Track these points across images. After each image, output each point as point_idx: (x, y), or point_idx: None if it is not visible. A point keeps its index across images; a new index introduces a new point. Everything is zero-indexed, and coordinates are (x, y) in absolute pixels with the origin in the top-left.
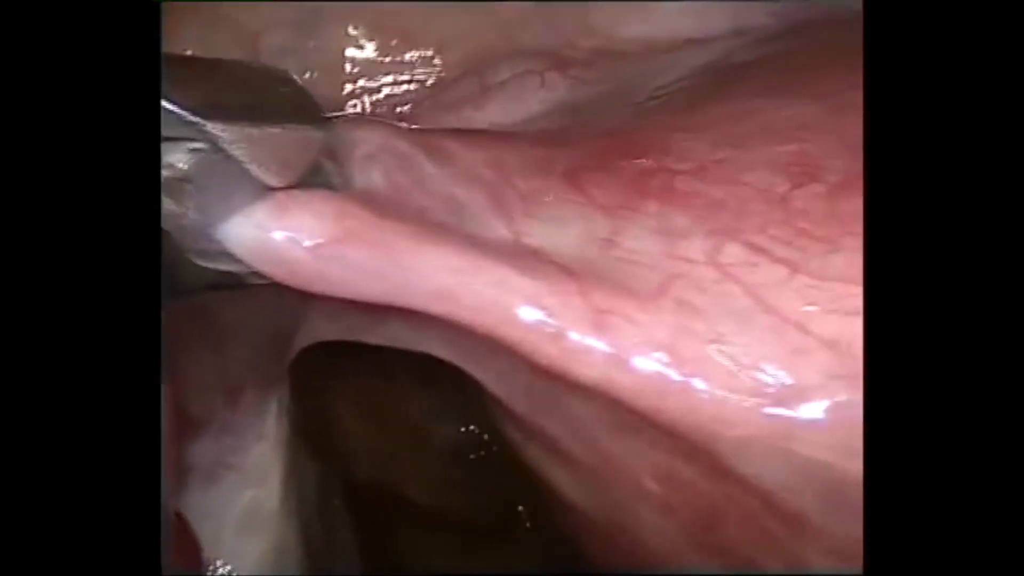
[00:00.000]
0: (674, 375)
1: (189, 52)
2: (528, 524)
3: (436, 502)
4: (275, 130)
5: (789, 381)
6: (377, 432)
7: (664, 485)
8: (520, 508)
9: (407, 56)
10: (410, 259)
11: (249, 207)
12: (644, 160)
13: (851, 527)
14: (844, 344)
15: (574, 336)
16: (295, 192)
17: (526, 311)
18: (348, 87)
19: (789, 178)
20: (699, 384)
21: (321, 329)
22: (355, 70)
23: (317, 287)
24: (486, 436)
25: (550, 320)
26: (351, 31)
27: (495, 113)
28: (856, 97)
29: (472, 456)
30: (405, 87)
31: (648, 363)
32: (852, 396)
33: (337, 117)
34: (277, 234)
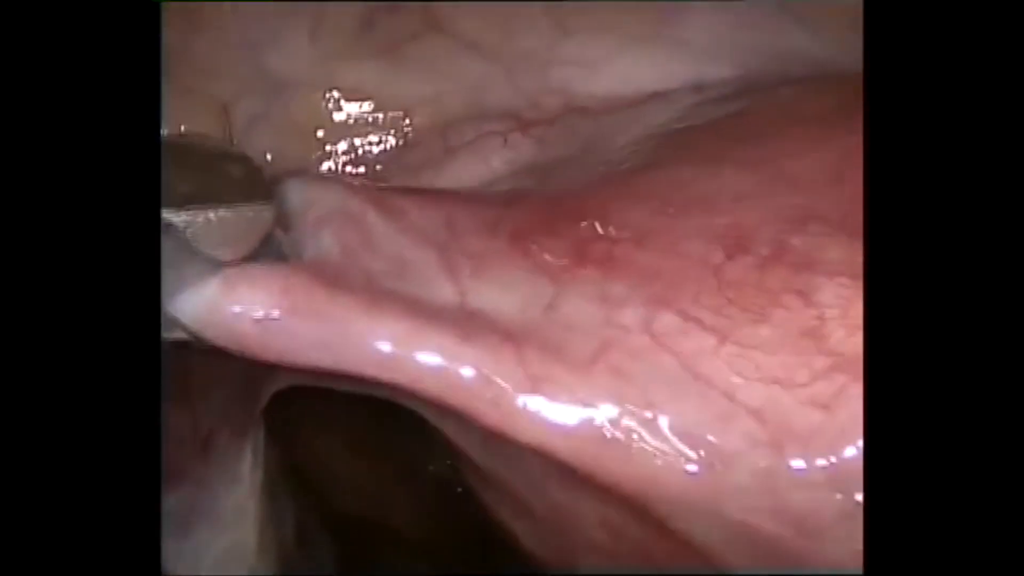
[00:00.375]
0: (606, 439)
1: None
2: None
3: (421, 535)
4: (225, 212)
5: (716, 447)
6: (360, 468)
7: (611, 536)
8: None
9: (375, 119)
10: (354, 329)
11: (199, 283)
12: (587, 226)
13: None
14: (767, 412)
15: (512, 402)
16: (244, 267)
17: (467, 379)
18: (318, 151)
19: (723, 249)
20: (631, 448)
21: (290, 376)
22: (324, 134)
23: (265, 357)
24: None
25: (489, 387)
26: (320, 96)
27: (459, 174)
28: (787, 168)
29: (460, 489)
30: (373, 149)
31: (581, 427)
32: (774, 462)
33: (293, 175)
34: (225, 309)
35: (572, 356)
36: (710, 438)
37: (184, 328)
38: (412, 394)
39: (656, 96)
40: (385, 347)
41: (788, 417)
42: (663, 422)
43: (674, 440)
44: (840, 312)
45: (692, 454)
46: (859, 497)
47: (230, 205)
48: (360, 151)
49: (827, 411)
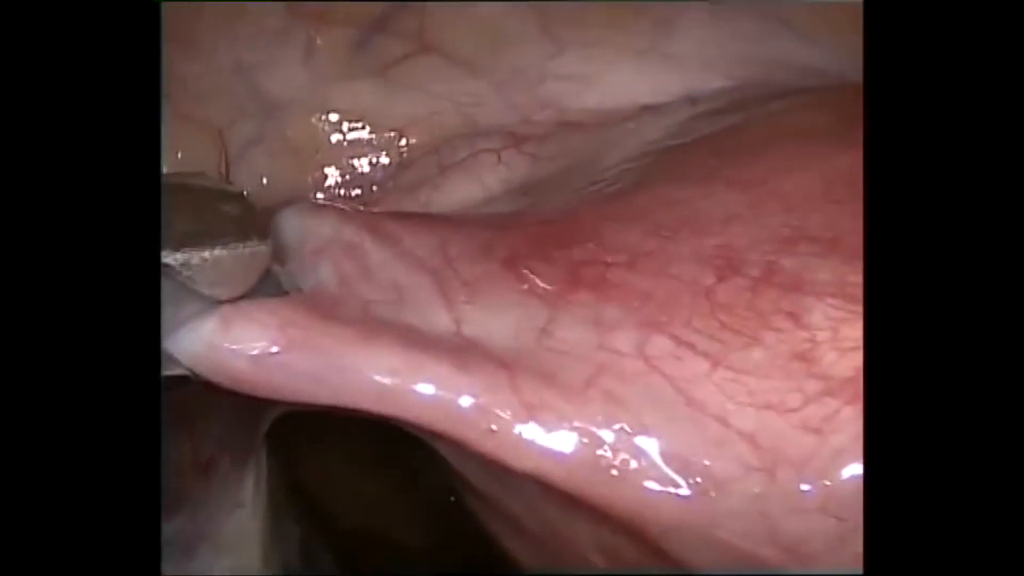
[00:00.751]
0: (601, 465)
1: None
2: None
3: (424, 552)
4: (221, 251)
5: (709, 472)
6: (362, 486)
7: (607, 558)
8: None
9: (370, 140)
10: (350, 363)
11: (195, 321)
12: (580, 249)
13: None
14: (760, 437)
15: (506, 430)
16: (239, 304)
17: (463, 409)
18: (314, 173)
19: (714, 271)
20: (624, 473)
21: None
22: (320, 156)
23: (261, 393)
24: None
25: (485, 417)
26: (315, 119)
27: (454, 193)
28: (777, 186)
29: (460, 505)
30: (369, 170)
31: (575, 453)
32: (767, 487)
33: (287, 205)
34: (220, 346)
35: (566, 382)
36: (704, 463)
37: (181, 366)
38: (409, 425)
39: (649, 109)
40: (381, 380)
41: (781, 442)
42: (656, 447)
43: (667, 465)
44: (831, 334)
45: (685, 479)
46: (853, 522)
47: (226, 244)
48: (355, 172)
49: (819, 435)
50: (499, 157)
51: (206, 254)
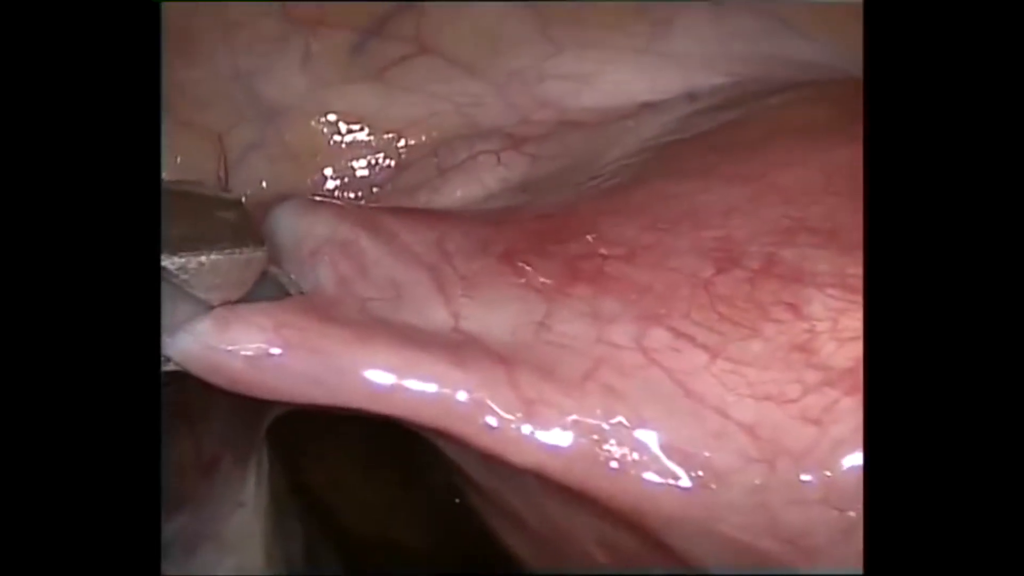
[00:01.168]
0: (600, 458)
1: None
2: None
3: (426, 549)
4: (218, 256)
5: (709, 464)
6: (364, 484)
7: (610, 555)
8: None
9: (369, 142)
10: (346, 363)
11: (192, 323)
12: (578, 243)
13: None
14: (760, 428)
15: (505, 426)
16: (237, 307)
17: (461, 406)
18: (314, 177)
19: (713, 263)
20: (624, 467)
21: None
22: (319, 159)
23: (258, 394)
24: None
25: (482, 413)
26: (314, 122)
27: (454, 193)
28: (776, 179)
29: (462, 502)
30: (368, 173)
31: (574, 448)
32: (767, 479)
33: (282, 203)
34: (216, 347)
35: (564, 375)
36: (703, 455)
37: (178, 367)
38: (408, 422)
39: (648, 107)
40: (378, 379)
41: (781, 433)
42: (656, 439)
43: (667, 457)
44: (830, 325)
45: (685, 471)
46: (854, 512)
47: (223, 249)
48: (355, 175)
49: (819, 426)
50: (498, 158)
51: (203, 259)
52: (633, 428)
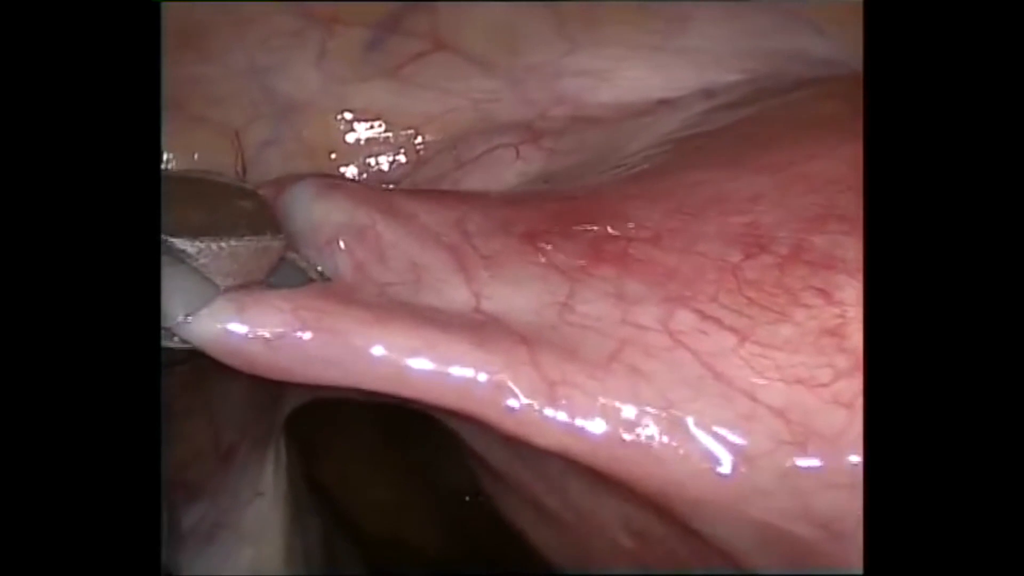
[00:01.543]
0: (626, 441)
1: (169, 158)
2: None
3: (440, 545)
4: (236, 243)
5: (739, 446)
6: (380, 478)
7: (636, 540)
8: None
9: (386, 138)
10: (363, 343)
11: (211, 306)
12: (602, 226)
13: None
14: (790, 411)
15: (528, 408)
16: (254, 290)
17: (481, 387)
18: (331, 173)
19: (741, 249)
20: (650, 449)
21: (308, 391)
22: (336, 156)
23: (274, 375)
24: None
25: (504, 394)
26: (330, 119)
27: (472, 188)
28: (804, 168)
29: (479, 499)
30: (386, 169)
31: (599, 430)
32: (799, 461)
33: (298, 186)
34: (234, 329)
35: (588, 356)
36: (732, 438)
37: (197, 349)
38: (427, 405)
39: (665, 103)
40: (397, 360)
41: (812, 417)
42: (683, 422)
43: (695, 440)
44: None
45: (714, 454)
46: None
47: (241, 236)
48: (373, 171)
49: (851, 410)
50: (517, 152)
51: (223, 244)
52: (660, 410)
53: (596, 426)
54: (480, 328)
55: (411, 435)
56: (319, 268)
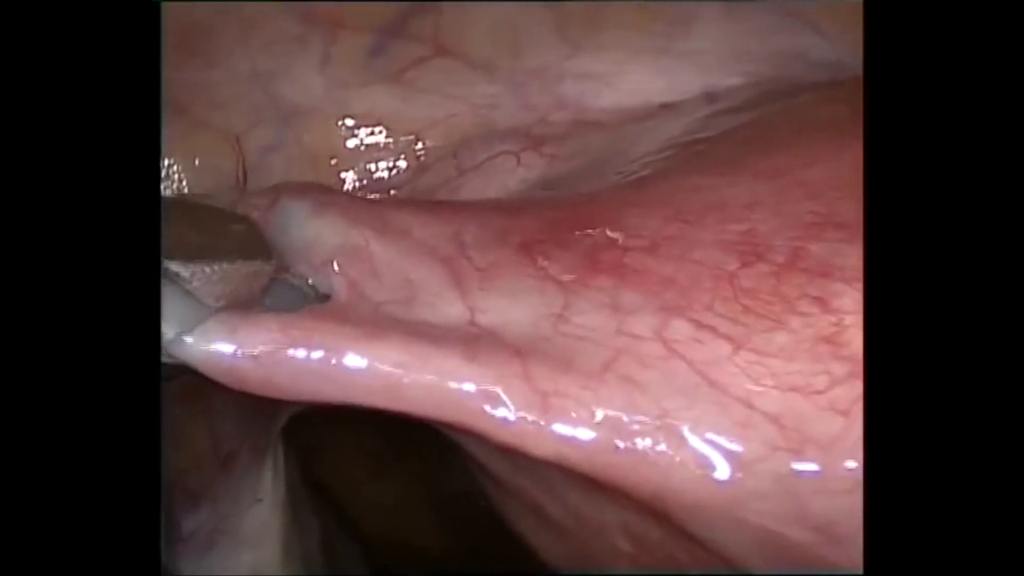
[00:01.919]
0: (620, 448)
1: (171, 162)
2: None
3: (442, 548)
4: (228, 266)
5: (734, 452)
6: (380, 482)
7: (635, 545)
8: None
9: (388, 144)
10: (356, 359)
11: (203, 326)
12: (599, 234)
13: None
14: (786, 418)
15: (521, 420)
16: (245, 310)
17: (474, 400)
18: (332, 179)
19: (738, 257)
20: (645, 456)
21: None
22: (337, 162)
23: (267, 392)
24: None
25: (497, 407)
26: (332, 124)
27: (473, 195)
28: (803, 175)
29: (481, 503)
30: (387, 175)
31: (594, 439)
32: (795, 467)
33: (291, 202)
34: (225, 348)
35: (583, 367)
36: (728, 444)
37: (191, 369)
38: (423, 418)
39: (667, 107)
40: (388, 374)
41: (808, 423)
42: (678, 429)
43: (690, 446)
44: (859, 319)
45: (710, 460)
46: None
47: (233, 260)
48: (374, 177)
49: (847, 417)
50: (518, 159)
51: (215, 267)
52: (654, 418)
53: (590, 435)
54: (474, 342)
55: (412, 439)
56: (312, 283)
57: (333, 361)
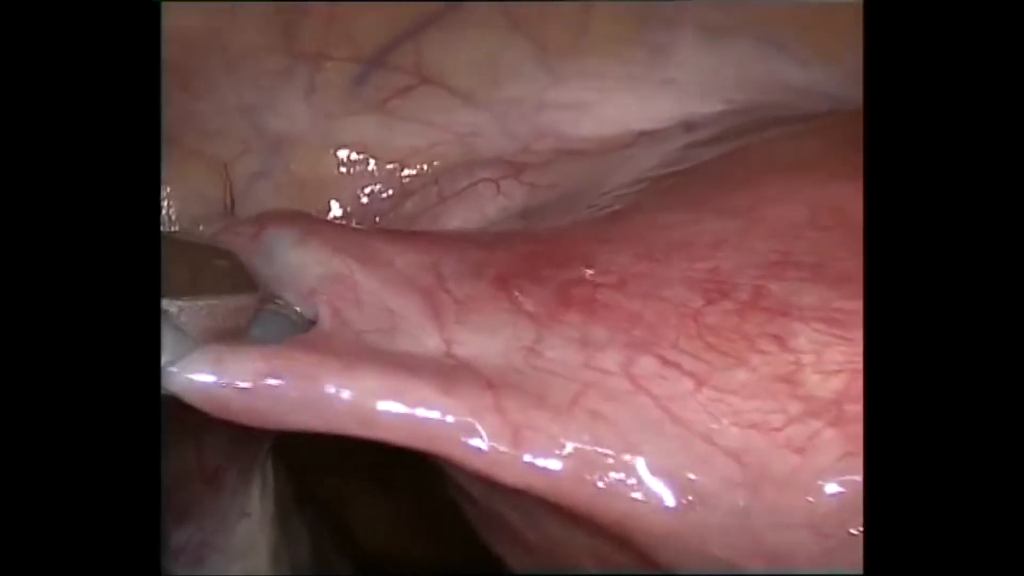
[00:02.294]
0: (586, 478)
1: (167, 187)
2: None
3: (432, 559)
4: (215, 302)
5: (694, 486)
6: (371, 494)
7: (604, 568)
8: None
9: (371, 172)
10: (333, 389)
11: (189, 359)
12: (571, 269)
13: None
14: (745, 455)
15: (492, 450)
16: (230, 343)
17: (447, 429)
18: (319, 206)
19: (703, 294)
20: (610, 487)
21: None
22: (323, 189)
23: (252, 422)
24: None
25: (470, 437)
26: (318, 153)
27: (453, 222)
28: (764, 213)
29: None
30: (371, 202)
31: (561, 470)
32: (753, 501)
33: (275, 233)
34: (210, 378)
35: (552, 400)
36: (689, 477)
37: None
38: (399, 447)
39: (646, 135)
40: (364, 405)
41: (765, 459)
42: (642, 462)
43: (652, 479)
44: (815, 358)
45: (671, 493)
46: (837, 539)
47: (219, 295)
48: (359, 204)
49: (802, 455)
50: (498, 187)
51: (201, 303)
52: (619, 451)
53: (557, 466)
54: (449, 373)
55: (404, 453)
56: (298, 309)
57: (312, 391)
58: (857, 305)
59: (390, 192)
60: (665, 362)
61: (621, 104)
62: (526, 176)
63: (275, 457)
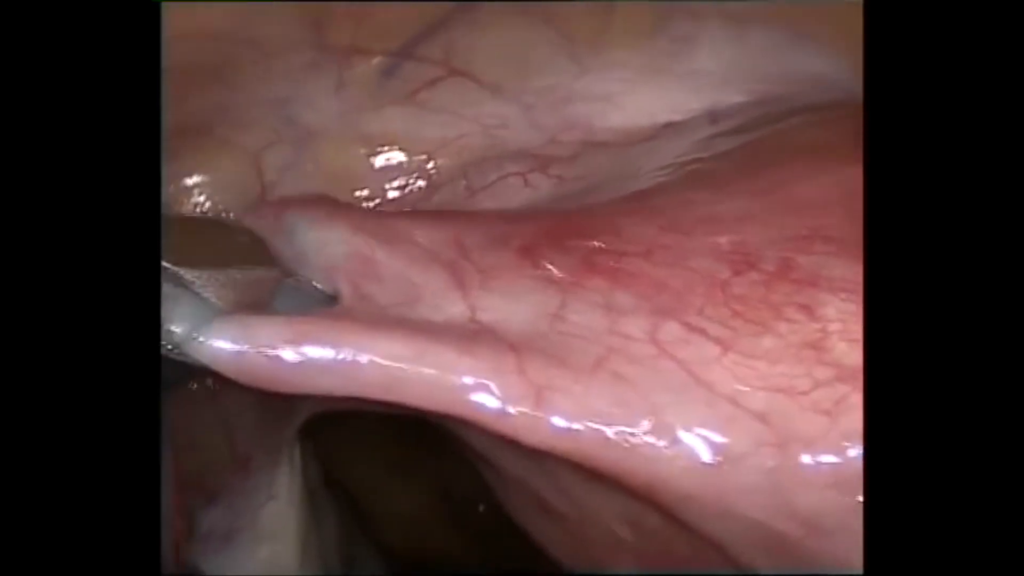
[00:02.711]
0: (610, 438)
1: (195, 178)
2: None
3: (463, 549)
4: (236, 272)
5: (722, 446)
6: (395, 484)
7: (635, 533)
8: None
9: (400, 164)
10: (358, 354)
11: (217, 328)
12: (596, 240)
13: None
14: (771, 416)
15: (515, 411)
16: (256, 311)
17: (470, 392)
18: (347, 197)
19: (730, 266)
20: (634, 446)
21: (316, 403)
22: (352, 181)
23: (278, 387)
24: None
25: (492, 399)
26: (347, 145)
27: None
28: (790, 193)
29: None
30: (399, 194)
31: (584, 430)
32: (781, 462)
33: (297, 213)
34: (237, 345)
35: (576, 363)
36: (716, 438)
37: (205, 368)
38: (422, 410)
39: (671, 126)
40: (387, 367)
41: (792, 421)
42: (667, 423)
43: (678, 439)
44: (843, 327)
45: (698, 453)
46: (862, 499)
47: (240, 267)
48: (387, 196)
49: (830, 416)
50: (525, 180)
51: (224, 274)
52: (643, 412)
53: (580, 426)
54: (472, 337)
55: (431, 443)
56: (319, 287)
57: (337, 356)
58: None
59: (419, 184)
60: (690, 328)
61: (647, 95)
62: (553, 169)
63: (306, 444)
